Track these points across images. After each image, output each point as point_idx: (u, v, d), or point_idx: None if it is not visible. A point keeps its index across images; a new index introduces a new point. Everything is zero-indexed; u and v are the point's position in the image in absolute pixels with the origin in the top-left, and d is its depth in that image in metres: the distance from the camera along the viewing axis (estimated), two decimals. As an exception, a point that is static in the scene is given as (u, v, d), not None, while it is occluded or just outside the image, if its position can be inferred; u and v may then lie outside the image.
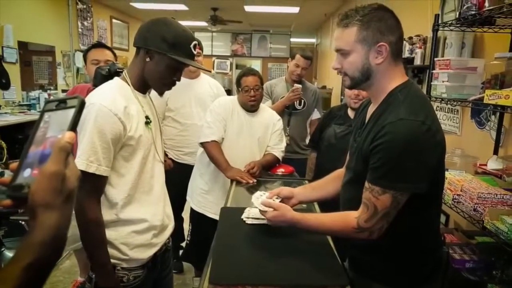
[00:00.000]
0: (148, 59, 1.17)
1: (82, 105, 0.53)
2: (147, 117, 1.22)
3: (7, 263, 0.47)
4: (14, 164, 0.50)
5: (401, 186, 0.97)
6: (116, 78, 1.23)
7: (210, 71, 2.00)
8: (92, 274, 1.23)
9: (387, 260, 1.09)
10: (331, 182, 1.35)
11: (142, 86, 1.23)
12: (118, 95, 1.15)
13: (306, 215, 1.16)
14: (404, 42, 3.05)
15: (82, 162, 1.07)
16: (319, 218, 1.16)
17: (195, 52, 1.21)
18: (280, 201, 1.28)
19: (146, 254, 1.24)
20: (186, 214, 2.54)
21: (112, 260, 1.19)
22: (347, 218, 1.05)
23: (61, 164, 0.48)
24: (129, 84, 1.20)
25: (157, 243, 1.28)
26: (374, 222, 1.00)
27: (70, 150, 0.50)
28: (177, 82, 1.25)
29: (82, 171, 0.99)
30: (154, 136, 1.25)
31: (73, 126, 0.51)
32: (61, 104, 0.54)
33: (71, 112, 0.52)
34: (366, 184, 1.01)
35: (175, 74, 1.21)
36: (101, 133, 1.09)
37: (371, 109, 1.12)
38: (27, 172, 0.50)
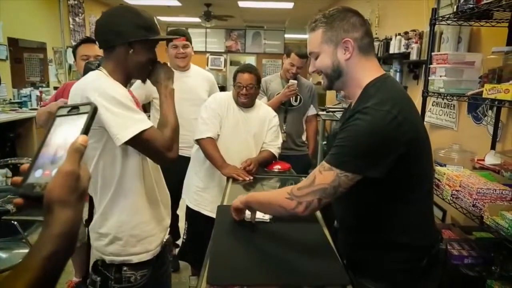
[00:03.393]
0: (131, 51, 1.16)
1: (95, 111, 0.56)
2: None
3: (27, 255, 0.50)
4: (25, 166, 0.54)
5: (347, 167, 0.97)
6: (96, 71, 1.20)
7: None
8: (97, 278, 1.21)
9: (379, 257, 1.09)
10: None
11: (122, 80, 1.21)
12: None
13: (254, 193, 1.29)
14: (400, 37, 3.04)
15: (127, 132, 1.07)
16: (265, 193, 1.27)
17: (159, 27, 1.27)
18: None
19: (152, 245, 1.25)
20: (181, 212, 2.52)
21: (119, 258, 1.19)
22: (285, 188, 1.09)
23: (76, 164, 0.52)
24: (109, 78, 1.18)
25: (157, 233, 1.27)
26: (305, 192, 1.01)
27: (83, 152, 0.53)
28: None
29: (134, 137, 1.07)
30: None
31: (86, 130, 0.55)
32: (74, 109, 0.57)
33: (83, 118, 0.55)
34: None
35: (154, 54, 1.24)
36: (115, 99, 1.08)
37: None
38: (38, 173, 0.52)
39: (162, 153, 1.14)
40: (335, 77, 1.10)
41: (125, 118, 1.07)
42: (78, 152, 0.52)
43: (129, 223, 1.19)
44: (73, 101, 1.13)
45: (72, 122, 0.56)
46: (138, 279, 1.21)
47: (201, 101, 2.32)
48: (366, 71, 1.08)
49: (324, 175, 0.99)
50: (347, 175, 0.97)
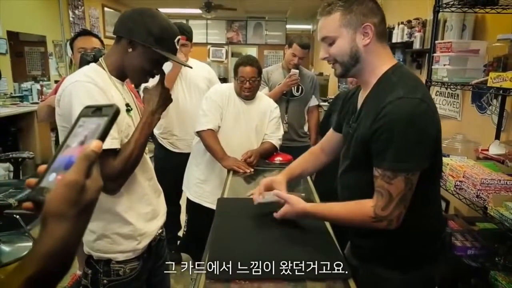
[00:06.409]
0: (130, 50, 1.12)
1: (115, 114, 0.52)
2: (127, 105, 1.17)
3: (11, 271, 0.44)
4: (42, 167, 0.49)
5: (411, 166, 0.95)
6: (92, 64, 1.16)
7: (191, 67, 1.98)
8: (88, 270, 1.19)
9: (387, 243, 1.07)
10: (309, 158, 1.42)
11: (120, 74, 1.17)
12: (95, 76, 1.10)
13: (317, 205, 1.15)
14: (403, 25, 3.00)
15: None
16: (333, 208, 1.12)
17: (178, 47, 1.18)
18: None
19: (141, 244, 1.21)
20: (183, 204, 2.51)
21: (106, 255, 1.17)
22: (363, 208, 1.01)
23: (81, 173, 0.46)
24: (106, 71, 1.14)
25: (147, 232, 1.24)
26: (391, 209, 0.97)
27: (95, 160, 0.48)
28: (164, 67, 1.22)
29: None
30: (135, 124, 1.18)
31: (103, 135, 0.50)
32: (97, 111, 0.53)
33: (103, 120, 0.51)
34: (375, 171, 0.99)
35: (156, 67, 1.18)
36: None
37: (362, 95, 1.11)
38: (52, 177, 0.48)
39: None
40: (352, 64, 1.05)
41: None
42: (86, 160, 0.46)
43: (115, 223, 1.16)
44: (59, 94, 1.09)
45: (94, 124, 0.51)
46: (128, 272, 1.19)
47: (202, 93, 2.29)
48: (382, 59, 1.05)
49: (395, 184, 0.96)
50: (413, 173, 0.96)
